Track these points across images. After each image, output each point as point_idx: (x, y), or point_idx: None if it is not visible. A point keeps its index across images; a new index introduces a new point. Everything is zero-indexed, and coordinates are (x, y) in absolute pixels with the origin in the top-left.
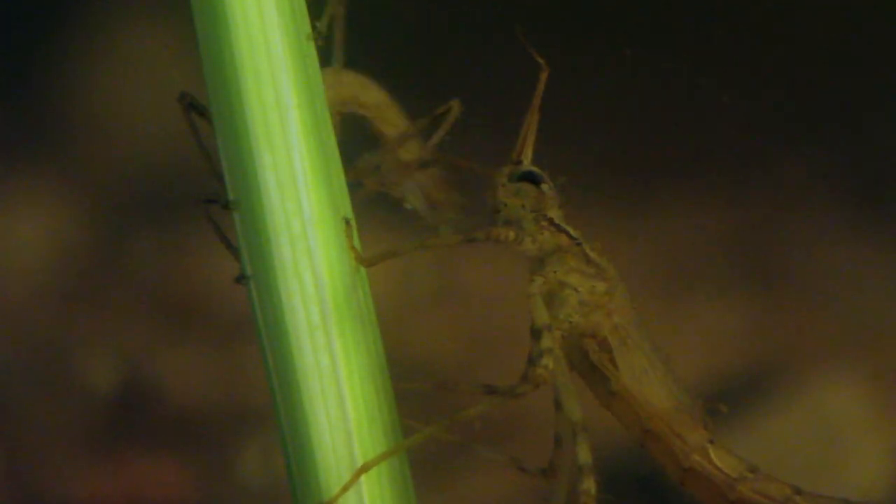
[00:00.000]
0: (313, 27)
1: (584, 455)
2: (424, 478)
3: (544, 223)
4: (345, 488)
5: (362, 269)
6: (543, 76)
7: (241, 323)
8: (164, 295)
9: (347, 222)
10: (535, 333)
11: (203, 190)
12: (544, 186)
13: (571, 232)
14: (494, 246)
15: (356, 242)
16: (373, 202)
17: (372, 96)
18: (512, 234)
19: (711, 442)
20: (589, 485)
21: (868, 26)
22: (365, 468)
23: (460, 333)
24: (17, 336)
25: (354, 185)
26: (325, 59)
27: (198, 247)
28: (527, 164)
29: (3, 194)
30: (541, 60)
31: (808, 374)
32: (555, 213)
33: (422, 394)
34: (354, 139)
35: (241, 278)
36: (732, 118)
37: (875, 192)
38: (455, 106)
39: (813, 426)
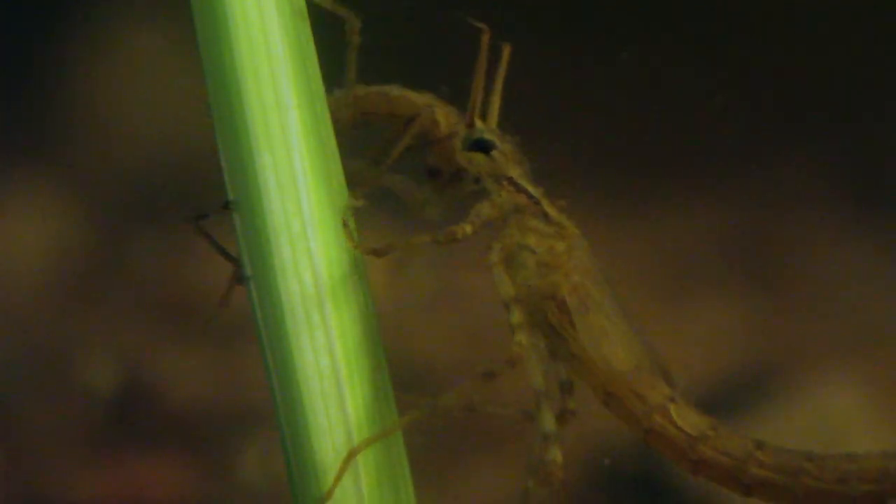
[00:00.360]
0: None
1: (549, 423)
2: (424, 477)
3: (504, 183)
4: (338, 477)
5: (362, 270)
6: (485, 38)
7: (241, 323)
8: (165, 295)
9: (346, 223)
10: (505, 308)
11: (204, 192)
12: (495, 153)
13: (531, 190)
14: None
15: (356, 241)
16: (372, 202)
17: (419, 99)
18: (468, 228)
19: (673, 400)
20: (555, 454)
21: (868, 25)
22: (355, 451)
23: (460, 333)
24: (17, 336)
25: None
26: (332, 83)
27: (198, 247)
28: (479, 127)
29: (4, 195)
30: (481, 26)
31: (809, 375)
32: (514, 173)
33: (422, 395)
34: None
35: (241, 279)
36: (733, 118)
37: (875, 192)
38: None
39: (813, 426)
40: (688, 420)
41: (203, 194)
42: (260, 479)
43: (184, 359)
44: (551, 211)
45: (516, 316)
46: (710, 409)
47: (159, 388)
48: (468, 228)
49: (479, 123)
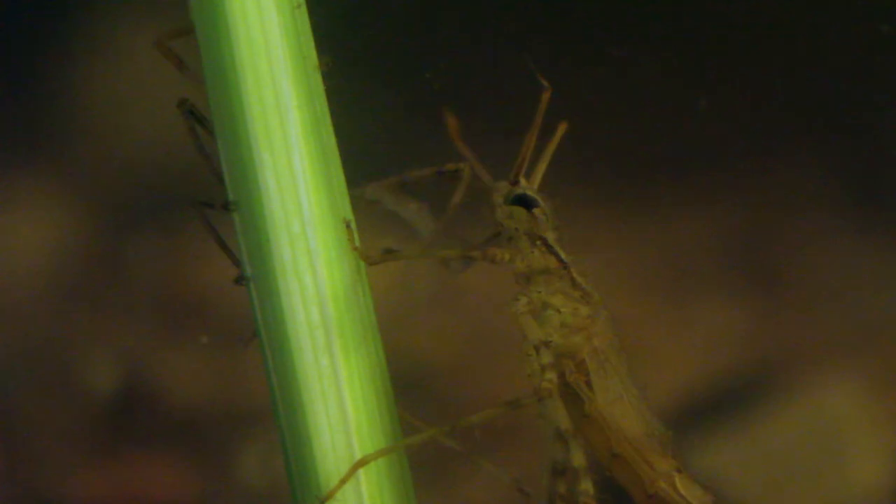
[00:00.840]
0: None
1: (579, 459)
2: (425, 480)
3: (538, 243)
4: (342, 481)
5: (362, 270)
6: (545, 96)
7: (241, 324)
8: (165, 296)
9: (348, 224)
10: (535, 349)
11: (204, 193)
12: (537, 211)
13: (562, 255)
14: (490, 265)
15: (357, 242)
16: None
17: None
18: (507, 255)
19: (679, 471)
20: (587, 485)
21: (868, 27)
22: (362, 462)
23: (460, 334)
24: (18, 337)
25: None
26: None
27: (198, 248)
28: (523, 185)
29: (5, 196)
30: (544, 82)
31: (809, 375)
32: (549, 235)
33: (422, 395)
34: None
35: (240, 279)
36: (735, 119)
37: (876, 193)
38: (465, 169)
39: (814, 427)
40: (691, 491)
41: (203, 195)
42: (260, 479)
43: (184, 359)
44: (579, 278)
45: (546, 357)
46: (711, 409)
47: (159, 389)
48: (507, 256)
49: (523, 181)
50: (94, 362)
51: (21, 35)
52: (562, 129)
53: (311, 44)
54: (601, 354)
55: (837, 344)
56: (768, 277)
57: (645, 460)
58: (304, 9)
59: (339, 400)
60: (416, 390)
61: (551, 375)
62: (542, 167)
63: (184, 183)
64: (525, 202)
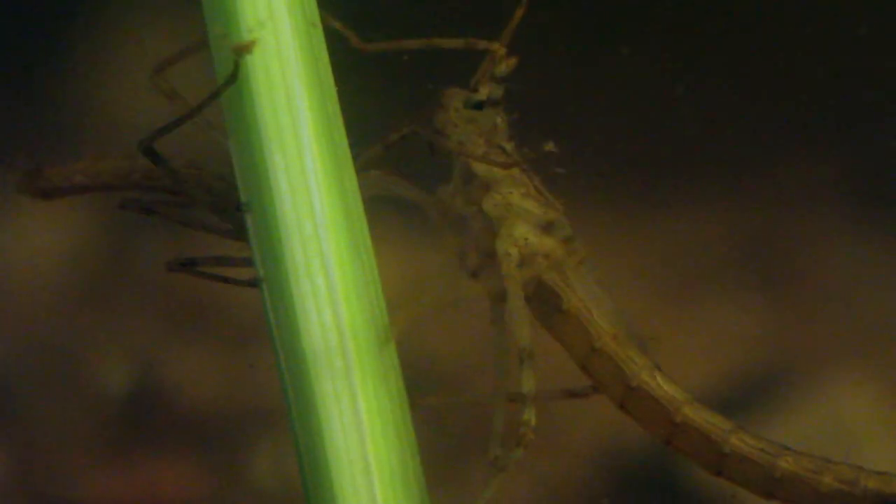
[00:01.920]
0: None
1: (529, 384)
2: (437, 476)
3: (499, 148)
4: None
5: (375, 270)
6: (519, 12)
7: (254, 324)
8: (177, 296)
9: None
10: (508, 248)
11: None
12: (499, 117)
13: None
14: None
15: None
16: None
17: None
18: (477, 150)
19: (658, 368)
20: (529, 416)
21: (872, 27)
22: None
23: (472, 335)
24: (29, 337)
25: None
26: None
27: (211, 248)
28: (484, 92)
29: (16, 198)
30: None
31: (820, 376)
32: (507, 142)
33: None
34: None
35: (253, 281)
36: (743, 120)
37: (887, 194)
38: (412, 129)
39: (824, 428)
40: (672, 386)
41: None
42: (272, 480)
43: (196, 360)
44: (539, 185)
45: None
46: (721, 411)
47: (172, 389)
48: (477, 151)
49: (483, 89)
50: (107, 363)
51: (34, 36)
52: (518, 14)
53: (323, 45)
54: (574, 255)
55: (848, 345)
56: (779, 278)
57: (626, 354)
58: (314, 9)
59: (352, 401)
60: (429, 391)
61: (526, 273)
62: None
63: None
64: (490, 106)
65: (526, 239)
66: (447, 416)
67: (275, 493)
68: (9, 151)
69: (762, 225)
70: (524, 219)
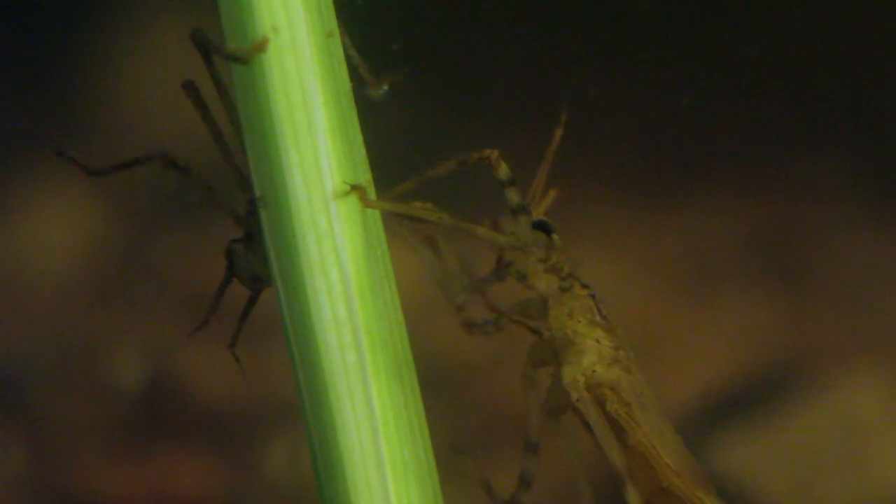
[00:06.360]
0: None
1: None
2: (451, 474)
3: (558, 271)
4: None
5: (389, 267)
6: (558, 132)
7: (267, 320)
8: (192, 291)
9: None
10: (576, 379)
11: (229, 188)
12: (555, 237)
13: (587, 284)
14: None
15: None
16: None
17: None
18: (541, 283)
19: None
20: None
21: (886, 21)
22: None
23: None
24: (45, 333)
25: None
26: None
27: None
28: (536, 213)
29: (32, 193)
30: (563, 118)
31: (835, 371)
32: (566, 264)
33: (449, 391)
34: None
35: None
36: (759, 116)
37: None
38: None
39: (839, 423)
40: None
41: (229, 191)
42: (286, 475)
43: (211, 355)
44: (604, 308)
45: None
46: (737, 406)
47: (187, 385)
48: (540, 283)
49: (534, 210)
50: (122, 359)
51: (48, 33)
52: (558, 134)
53: (338, 41)
54: (638, 386)
55: (864, 341)
56: (793, 274)
57: (695, 494)
58: (331, 7)
59: (365, 396)
60: (443, 386)
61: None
62: (542, 177)
63: (210, 180)
64: (545, 228)
65: (594, 370)
66: (461, 412)
67: (289, 487)
68: (30, 145)
69: (776, 220)
70: (588, 350)
